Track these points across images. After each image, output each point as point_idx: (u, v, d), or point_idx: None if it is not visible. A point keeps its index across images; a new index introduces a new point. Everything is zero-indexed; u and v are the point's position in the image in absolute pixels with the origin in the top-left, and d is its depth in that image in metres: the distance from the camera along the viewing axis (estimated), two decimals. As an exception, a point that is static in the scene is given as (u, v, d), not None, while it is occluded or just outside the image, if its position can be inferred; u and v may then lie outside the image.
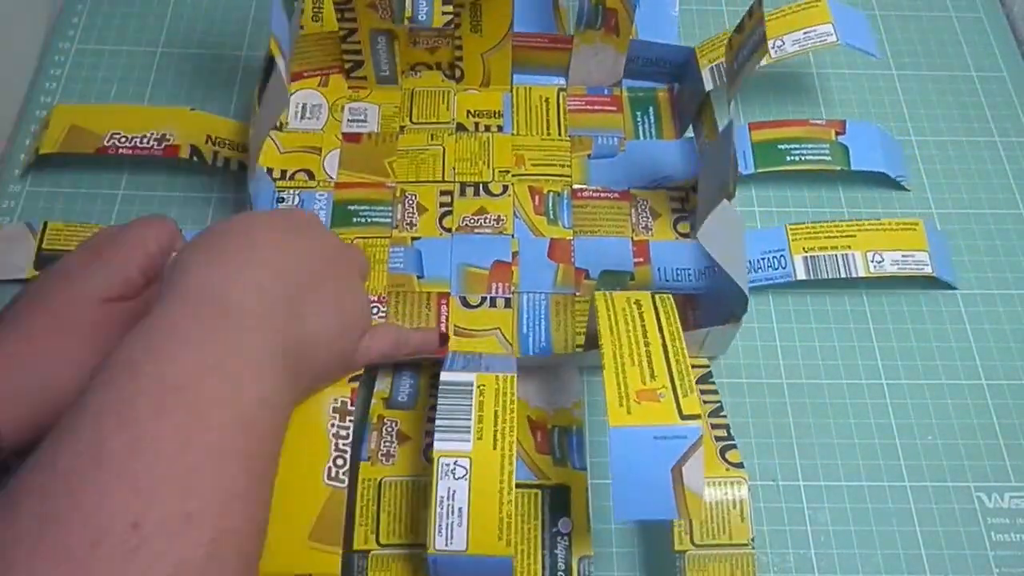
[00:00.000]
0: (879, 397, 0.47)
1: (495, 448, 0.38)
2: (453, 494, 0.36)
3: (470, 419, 0.38)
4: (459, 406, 0.39)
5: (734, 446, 0.41)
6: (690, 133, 0.55)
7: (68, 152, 0.51)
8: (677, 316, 0.39)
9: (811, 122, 0.54)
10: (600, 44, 0.54)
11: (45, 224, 0.49)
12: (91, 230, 0.49)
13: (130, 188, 0.52)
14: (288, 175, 0.53)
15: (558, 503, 0.41)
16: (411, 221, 0.51)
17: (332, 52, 0.55)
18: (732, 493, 0.40)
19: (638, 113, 0.56)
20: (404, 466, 0.42)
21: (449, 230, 0.51)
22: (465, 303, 0.49)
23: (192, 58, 0.58)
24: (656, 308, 0.39)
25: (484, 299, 0.49)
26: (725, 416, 0.43)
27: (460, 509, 0.36)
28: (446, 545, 0.36)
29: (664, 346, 0.37)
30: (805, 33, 0.51)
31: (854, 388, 0.47)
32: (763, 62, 0.50)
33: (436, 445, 0.38)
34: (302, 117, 0.55)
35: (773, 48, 0.51)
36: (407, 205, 0.52)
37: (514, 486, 0.37)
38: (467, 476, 0.37)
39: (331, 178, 0.53)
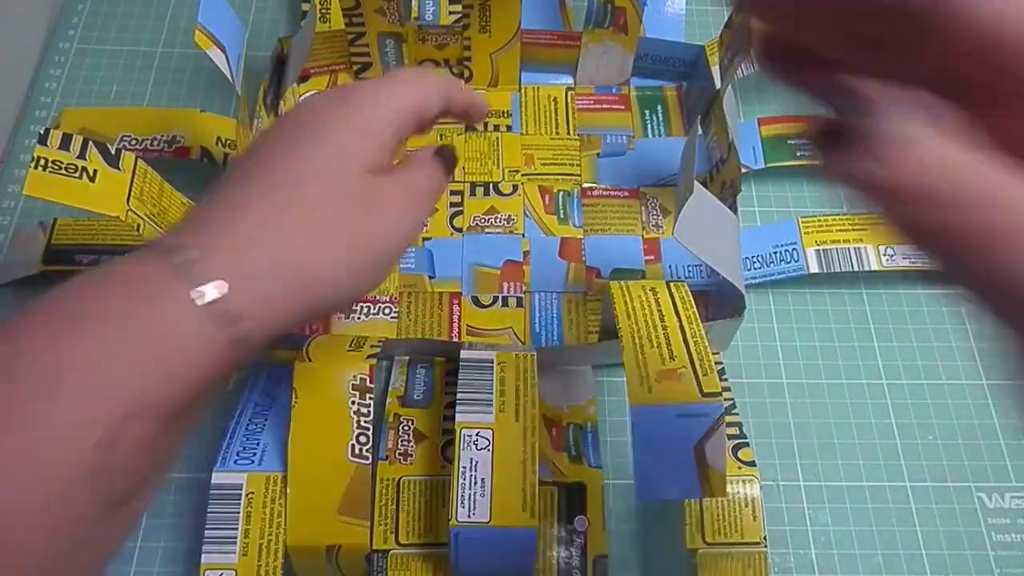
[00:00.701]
0: (879, 397, 0.47)
1: (517, 420, 0.38)
2: (475, 464, 0.37)
3: (491, 393, 0.39)
4: (480, 381, 0.40)
5: (747, 444, 0.42)
6: (699, 131, 0.55)
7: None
8: (693, 302, 0.39)
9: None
10: (608, 43, 0.54)
11: (55, 221, 0.49)
12: (98, 225, 0.49)
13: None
14: (298, 175, 0.53)
15: (574, 501, 0.42)
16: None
17: (340, 50, 0.55)
18: (744, 491, 0.40)
19: (647, 111, 0.57)
20: (422, 465, 0.43)
21: (460, 230, 0.51)
22: (477, 303, 0.49)
23: (192, 58, 0.57)
24: (672, 295, 0.40)
25: (496, 299, 0.49)
26: (737, 414, 0.44)
27: (483, 480, 0.37)
28: (468, 516, 0.36)
29: (681, 328, 0.37)
30: None
31: (854, 388, 0.48)
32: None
33: (458, 417, 0.38)
34: (311, 117, 0.55)
35: None
36: (418, 205, 0.52)
37: (537, 458, 0.37)
38: (490, 447, 0.37)
39: (341, 178, 0.53)
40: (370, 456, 0.38)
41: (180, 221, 0.30)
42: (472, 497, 0.36)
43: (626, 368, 0.35)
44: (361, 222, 0.32)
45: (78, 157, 0.38)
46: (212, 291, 0.27)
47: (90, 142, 0.38)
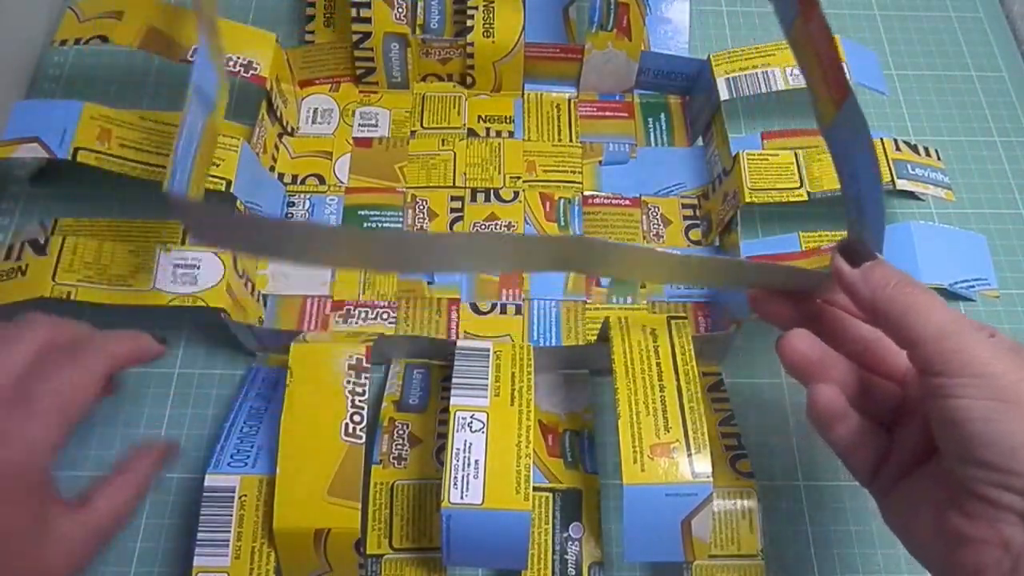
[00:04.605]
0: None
1: (512, 404, 0.38)
2: (469, 447, 0.37)
3: (487, 379, 0.39)
4: (476, 367, 0.40)
5: (744, 455, 0.42)
6: (701, 142, 0.55)
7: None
8: (692, 348, 0.39)
9: None
10: (612, 50, 0.54)
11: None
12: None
13: (131, 189, 0.49)
14: (299, 180, 0.53)
15: (569, 507, 0.42)
16: (422, 226, 0.51)
17: (343, 61, 0.55)
18: (742, 503, 0.40)
19: (650, 119, 0.56)
20: (416, 469, 0.43)
21: (460, 236, 0.51)
22: (476, 309, 0.49)
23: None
24: (672, 340, 0.39)
25: (495, 305, 0.49)
26: (736, 425, 0.44)
27: (476, 461, 0.36)
28: (461, 498, 0.36)
29: (679, 389, 0.38)
30: None
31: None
32: (781, 87, 0.51)
33: (452, 400, 0.38)
34: (313, 121, 0.55)
35: (790, 76, 0.51)
36: (418, 210, 0.52)
37: (532, 442, 0.37)
38: (484, 430, 0.37)
39: (342, 183, 0.53)
40: (363, 436, 0.38)
41: None
42: (465, 479, 0.36)
43: (621, 441, 0.36)
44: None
45: (15, 260, 0.43)
46: None
47: (25, 243, 0.44)
